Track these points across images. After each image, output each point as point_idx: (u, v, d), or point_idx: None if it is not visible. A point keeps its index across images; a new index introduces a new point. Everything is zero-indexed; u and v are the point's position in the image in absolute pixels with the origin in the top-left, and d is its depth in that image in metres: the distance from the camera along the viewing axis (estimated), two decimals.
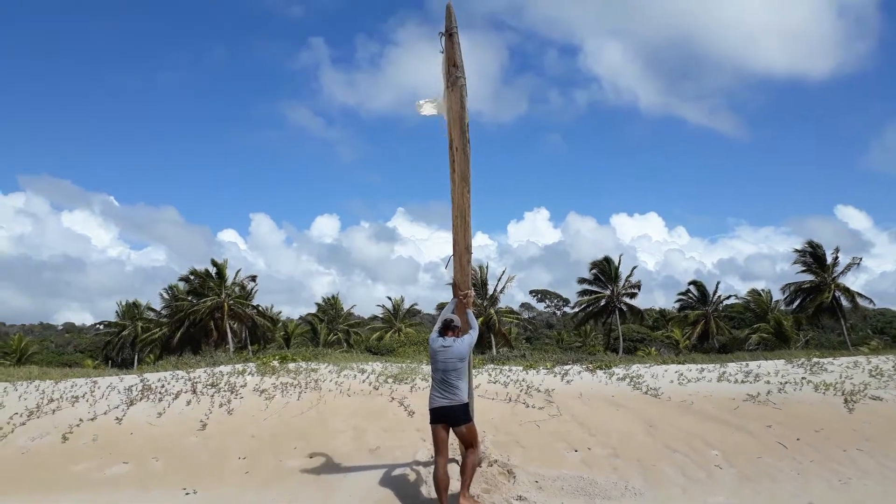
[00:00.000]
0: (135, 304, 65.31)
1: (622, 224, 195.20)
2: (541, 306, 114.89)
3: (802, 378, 11.35)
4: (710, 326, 56.28)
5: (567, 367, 13.16)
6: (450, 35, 6.34)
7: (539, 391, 10.60)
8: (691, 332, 56.76)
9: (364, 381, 11.00)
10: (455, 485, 6.60)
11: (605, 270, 56.18)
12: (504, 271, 59.73)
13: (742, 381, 11.31)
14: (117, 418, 9.37)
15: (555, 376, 11.91)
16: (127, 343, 64.24)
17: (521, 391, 10.56)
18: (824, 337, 55.46)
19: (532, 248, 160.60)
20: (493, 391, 10.49)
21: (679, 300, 61.99)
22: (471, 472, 6.53)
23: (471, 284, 7.51)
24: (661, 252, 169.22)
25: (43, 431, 8.98)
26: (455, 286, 7.33)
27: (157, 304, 61.73)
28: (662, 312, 74.02)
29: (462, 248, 7.16)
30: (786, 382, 10.94)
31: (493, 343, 50.65)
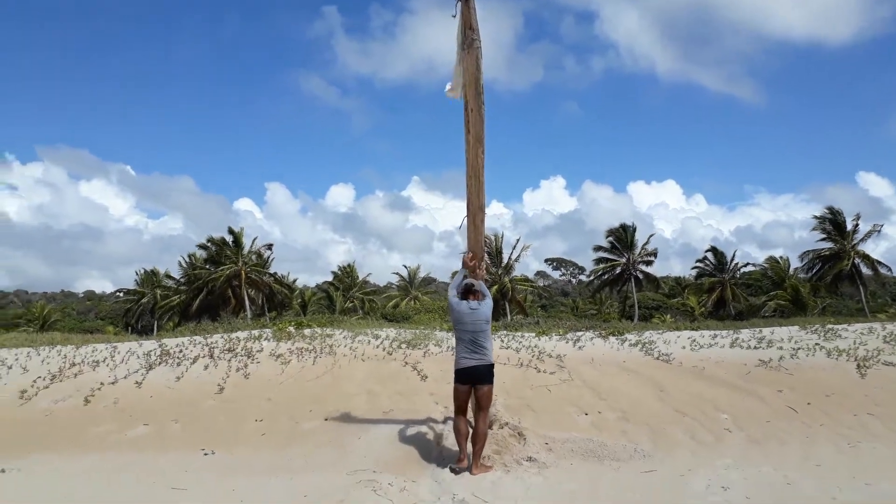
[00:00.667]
0: (153, 273, 66.15)
1: (639, 192, 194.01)
2: (556, 274, 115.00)
3: (816, 344, 11.33)
4: (727, 294, 56.08)
5: (580, 333, 13.23)
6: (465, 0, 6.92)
7: (551, 356, 10.68)
8: (707, 300, 56.62)
9: (378, 347, 11.16)
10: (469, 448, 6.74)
11: (620, 238, 55.98)
12: (518, 240, 59.64)
13: (755, 348, 11.32)
14: (137, 382, 9.60)
15: (567, 342, 11.99)
16: (146, 310, 65.20)
17: (532, 356, 10.66)
18: (843, 304, 55.01)
19: (547, 217, 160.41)
20: (504, 356, 10.59)
21: (696, 268, 61.77)
22: (482, 440, 6.73)
23: (484, 249, 7.64)
24: (678, 220, 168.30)
25: (65, 394, 9.22)
26: (464, 260, 7.40)
27: (176, 272, 62.45)
28: (679, 280, 73.84)
29: (476, 207, 7.43)
30: (798, 348, 10.94)
31: (508, 310, 50.89)
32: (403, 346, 11.22)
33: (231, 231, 54.84)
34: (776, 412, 8.46)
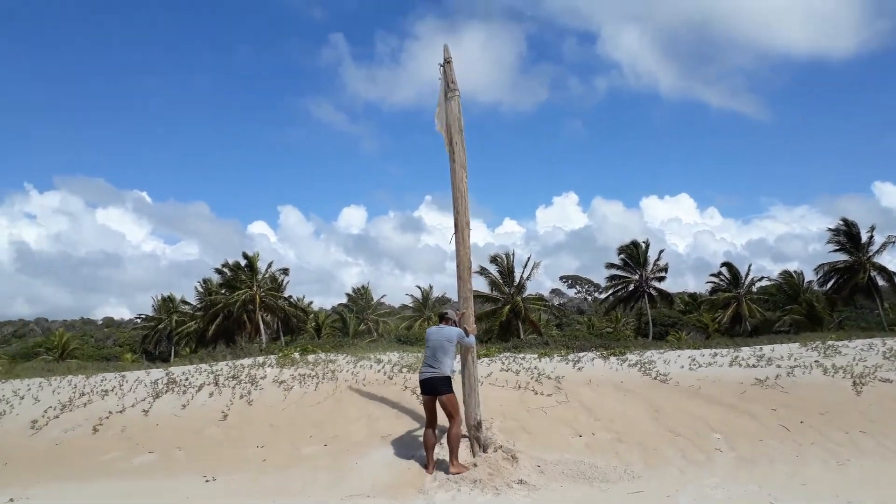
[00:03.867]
0: (170, 298, 66.62)
1: (652, 207, 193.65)
2: (571, 292, 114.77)
3: (815, 361, 11.39)
4: (742, 309, 55.73)
5: (581, 354, 13.36)
6: (447, 63, 9.00)
7: (550, 378, 10.83)
8: (722, 316, 56.24)
9: (379, 371, 11.36)
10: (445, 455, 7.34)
11: (632, 255, 55.93)
12: (529, 258, 59.39)
13: (753, 366, 11.39)
14: (144, 410, 9.88)
15: (567, 364, 12.13)
16: (164, 336, 65.74)
17: (531, 378, 10.81)
18: (861, 317, 54.48)
19: (559, 234, 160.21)
20: (503, 379, 10.76)
21: (710, 282, 61.45)
22: (455, 442, 7.58)
23: (471, 269, 8.73)
24: (691, 234, 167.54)
25: (75, 424, 9.51)
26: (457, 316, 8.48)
27: (192, 298, 63.07)
28: (693, 296, 73.46)
29: (463, 223, 8.75)
30: (796, 366, 11.01)
31: (522, 330, 50.82)
32: (405, 370, 11.42)
33: (245, 256, 55.42)
34: (768, 431, 8.55)
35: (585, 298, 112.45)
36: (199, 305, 61.04)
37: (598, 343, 15.74)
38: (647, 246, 56.05)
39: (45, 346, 64.16)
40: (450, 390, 7.70)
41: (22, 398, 10.66)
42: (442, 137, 9.17)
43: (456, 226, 8.78)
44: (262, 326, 53.74)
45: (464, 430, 8.03)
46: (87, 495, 7.30)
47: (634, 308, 58.99)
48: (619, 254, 56.95)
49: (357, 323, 61.82)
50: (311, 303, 67.21)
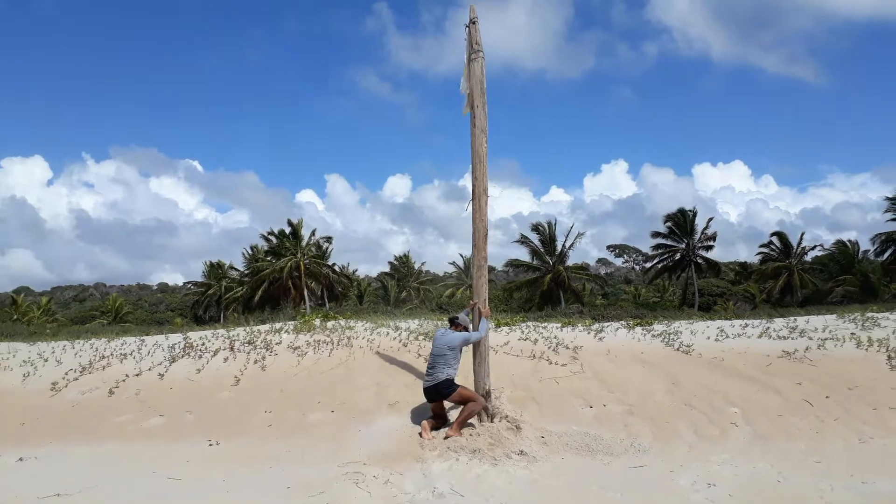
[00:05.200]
0: (219, 265, 67.99)
1: (704, 174, 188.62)
2: (619, 262, 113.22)
3: (851, 334, 10.83)
4: (794, 279, 53.98)
5: (606, 324, 13.02)
6: (472, 23, 8.81)
7: (567, 348, 10.56)
8: (773, 286, 54.60)
9: (395, 339, 11.26)
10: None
11: (679, 223, 54.46)
12: (572, 226, 58.33)
13: (784, 338, 10.89)
14: (160, 374, 10.01)
15: (589, 333, 11.82)
16: (213, 301, 67.33)
17: (548, 348, 10.56)
18: None
19: (606, 203, 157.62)
20: (519, 348, 10.54)
21: (760, 253, 59.59)
22: (466, 414, 7.55)
23: (486, 228, 8.52)
24: (743, 203, 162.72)
25: (92, 386, 9.71)
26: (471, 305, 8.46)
27: (240, 264, 64.26)
28: (744, 265, 71.49)
29: (481, 190, 8.48)
30: (827, 338, 10.48)
31: (563, 299, 50.32)
32: (420, 337, 11.29)
33: (290, 223, 55.97)
34: (790, 406, 8.16)
35: (633, 268, 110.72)
36: (245, 272, 62.16)
37: (628, 313, 15.31)
38: (695, 214, 54.48)
39: (100, 310, 66.51)
40: (454, 389, 7.67)
41: (46, 360, 10.95)
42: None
43: (473, 192, 8.56)
44: (306, 293, 54.46)
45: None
46: (93, 456, 7.43)
47: (680, 278, 57.71)
48: (666, 222, 55.52)
49: (399, 290, 62.18)
50: (355, 270, 67.93)
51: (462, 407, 7.70)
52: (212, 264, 68.57)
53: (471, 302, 8.47)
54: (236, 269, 65.81)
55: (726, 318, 13.37)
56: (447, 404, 7.98)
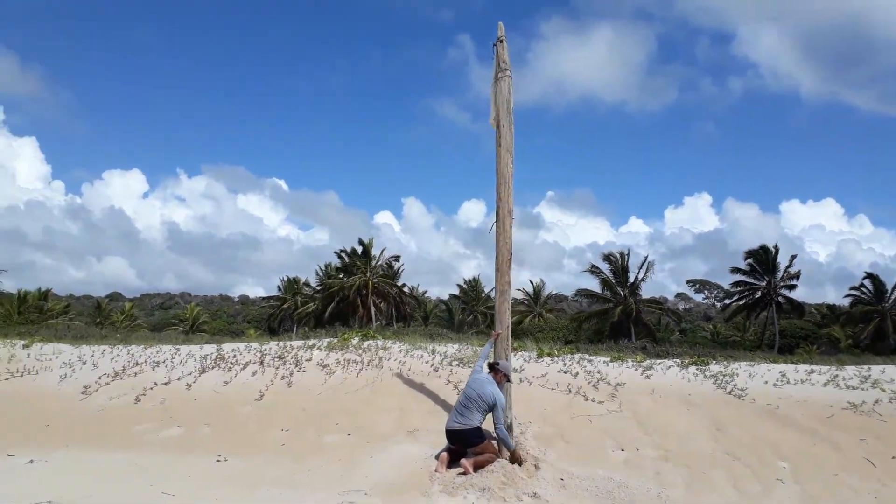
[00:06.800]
0: (294, 280, 69.57)
1: (792, 211, 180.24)
2: (698, 297, 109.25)
3: None
4: (886, 325, 50.45)
5: (659, 361, 12.21)
6: (500, 42, 8.70)
7: (609, 384, 9.89)
8: (862, 331, 51.20)
9: (427, 363, 10.86)
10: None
11: (761, 260, 51.95)
12: (646, 258, 56.28)
13: (853, 388, 9.86)
14: (188, 384, 9.96)
15: (637, 370, 11.08)
16: (287, 315, 68.80)
17: (587, 382, 9.93)
18: None
19: (686, 236, 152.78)
20: (555, 381, 9.95)
21: (850, 295, 56.08)
22: (484, 460, 7.02)
23: (510, 251, 8.29)
24: (834, 242, 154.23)
25: (121, 392, 9.74)
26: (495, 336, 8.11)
27: (314, 281, 65.50)
28: (832, 308, 67.49)
29: (505, 212, 8.28)
30: None
31: (633, 333, 48.61)
32: (454, 363, 10.85)
33: (361, 242, 56.76)
34: (849, 464, 7.27)
35: (713, 304, 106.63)
36: (318, 288, 63.27)
37: (688, 350, 14.40)
38: (777, 251, 51.96)
39: (179, 318, 68.97)
40: (483, 441, 7.12)
41: (84, 363, 11.12)
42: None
43: (497, 213, 8.29)
44: (373, 311, 54.81)
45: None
46: (102, 464, 7.35)
47: (760, 316, 54.93)
48: (746, 258, 53.12)
49: (465, 314, 61.77)
50: (424, 292, 68.05)
51: (482, 454, 7.12)
52: (288, 279, 70.23)
53: (493, 332, 8.02)
54: (310, 286, 67.13)
55: (791, 363, 12.31)
56: None
